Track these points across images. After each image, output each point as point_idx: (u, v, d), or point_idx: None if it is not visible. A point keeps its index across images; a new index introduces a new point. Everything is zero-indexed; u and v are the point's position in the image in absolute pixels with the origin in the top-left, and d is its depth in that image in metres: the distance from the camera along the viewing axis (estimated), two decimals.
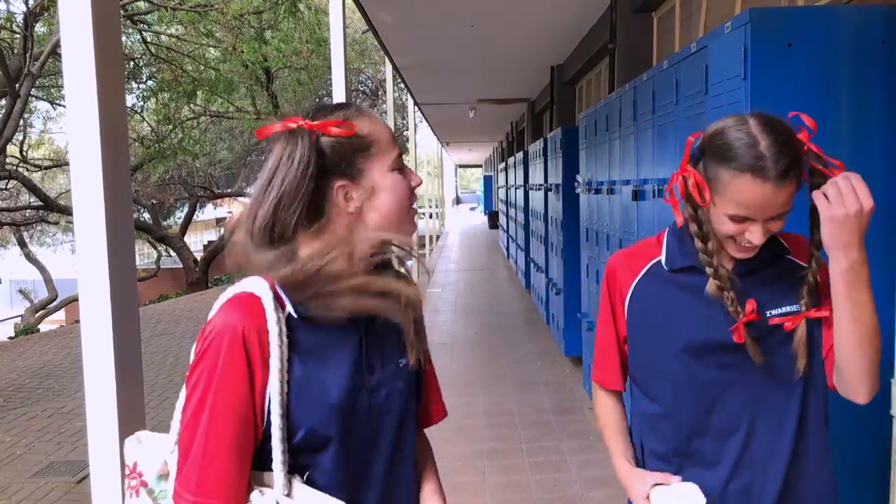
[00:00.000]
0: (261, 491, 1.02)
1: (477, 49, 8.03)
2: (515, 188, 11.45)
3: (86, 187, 1.36)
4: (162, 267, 20.33)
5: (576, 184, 5.14)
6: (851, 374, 1.21)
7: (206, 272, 17.22)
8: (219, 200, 23.72)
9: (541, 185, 7.45)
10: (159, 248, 20.31)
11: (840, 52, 2.08)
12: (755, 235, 1.18)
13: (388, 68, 9.58)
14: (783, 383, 1.28)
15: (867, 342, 1.18)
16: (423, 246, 15.68)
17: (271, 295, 1.02)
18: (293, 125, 1.05)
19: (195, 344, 1.04)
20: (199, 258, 17.84)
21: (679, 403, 1.32)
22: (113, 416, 1.40)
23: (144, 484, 1.08)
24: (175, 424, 1.08)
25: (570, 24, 6.79)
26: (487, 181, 32.35)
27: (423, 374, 1.25)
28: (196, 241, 27.53)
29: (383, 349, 1.13)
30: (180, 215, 22.33)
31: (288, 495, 1.01)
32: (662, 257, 1.36)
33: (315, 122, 1.05)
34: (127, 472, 1.10)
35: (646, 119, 3.27)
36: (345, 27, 4.54)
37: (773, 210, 1.15)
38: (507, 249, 13.64)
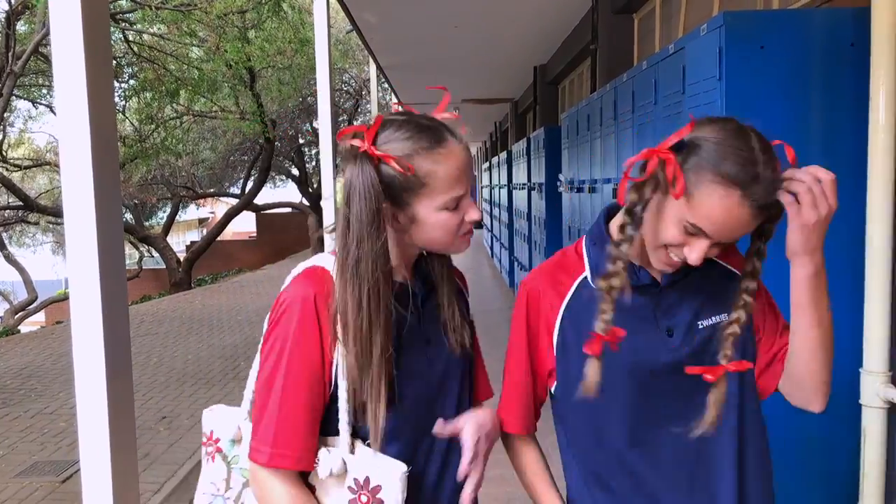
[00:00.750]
0: (328, 449, 1.09)
1: (461, 49, 8.07)
2: (499, 187, 11.51)
3: (76, 187, 1.38)
4: (144, 267, 20.18)
5: (558, 183, 5.20)
6: (810, 384, 1.13)
7: (189, 272, 17.10)
8: (201, 200, 23.58)
9: (524, 184, 7.52)
10: (141, 249, 20.15)
11: (811, 53, 2.15)
12: (695, 253, 1.06)
13: (373, 68, 9.58)
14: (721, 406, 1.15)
15: (826, 348, 1.11)
16: None
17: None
18: (359, 145, 1.08)
19: (269, 314, 1.13)
20: (181, 258, 17.72)
21: (622, 446, 1.18)
22: (103, 414, 1.42)
23: (219, 450, 1.20)
24: (248, 394, 1.18)
25: (553, 24, 6.86)
26: None
27: (472, 354, 1.30)
28: (179, 242, 27.34)
29: (437, 325, 1.20)
30: (163, 215, 22.18)
31: (352, 454, 1.09)
32: (587, 273, 1.21)
33: (379, 151, 1.07)
34: (204, 439, 1.22)
35: (626, 118, 3.33)
36: (329, 27, 4.56)
37: (732, 234, 1.04)
38: (492, 248, 13.69)
